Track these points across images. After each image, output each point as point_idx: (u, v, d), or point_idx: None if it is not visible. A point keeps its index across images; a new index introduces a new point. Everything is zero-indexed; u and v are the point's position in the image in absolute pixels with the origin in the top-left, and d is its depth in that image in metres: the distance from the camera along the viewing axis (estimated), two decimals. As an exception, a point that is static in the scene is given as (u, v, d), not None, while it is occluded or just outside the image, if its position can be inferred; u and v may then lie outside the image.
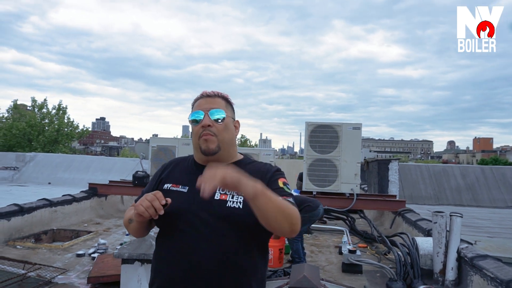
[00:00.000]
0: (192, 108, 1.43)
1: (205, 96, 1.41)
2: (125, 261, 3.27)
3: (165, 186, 1.37)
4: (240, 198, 1.27)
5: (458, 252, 3.98)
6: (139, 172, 7.79)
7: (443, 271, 4.01)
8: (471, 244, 4.28)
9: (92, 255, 4.81)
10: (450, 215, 4.10)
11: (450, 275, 3.95)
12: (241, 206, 1.26)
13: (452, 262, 3.97)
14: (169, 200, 1.20)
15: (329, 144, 7.10)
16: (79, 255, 4.83)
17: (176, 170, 1.42)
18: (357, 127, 7.04)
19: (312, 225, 7.19)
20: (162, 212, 1.16)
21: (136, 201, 1.36)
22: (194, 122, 1.36)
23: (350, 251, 4.59)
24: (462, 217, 4.06)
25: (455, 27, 7.55)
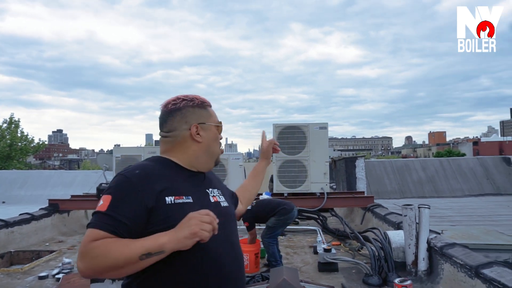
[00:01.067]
0: (202, 109, 1.36)
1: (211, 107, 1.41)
2: (94, 280, 3.07)
3: (168, 200, 1.15)
4: (223, 197, 1.37)
5: (428, 242, 4.11)
6: (103, 184, 7.44)
7: (415, 262, 4.13)
8: (439, 233, 4.45)
9: (57, 276, 4.50)
10: (419, 207, 4.23)
11: (422, 265, 4.08)
12: (229, 204, 1.37)
13: (423, 253, 4.10)
14: None
15: (297, 145, 7.16)
16: (41, 277, 4.50)
17: (165, 180, 1.19)
18: (324, 127, 7.16)
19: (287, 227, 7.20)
20: (216, 232, 1.09)
21: (101, 224, 1.05)
22: (219, 129, 1.38)
23: (325, 250, 4.62)
24: (429, 208, 4.21)
25: (405, 27, 7.80)
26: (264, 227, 4.85)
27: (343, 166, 9.16)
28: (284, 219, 4.73)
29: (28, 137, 25.52)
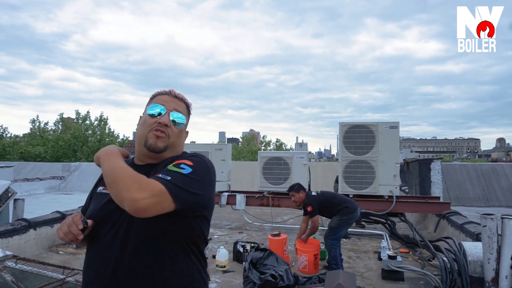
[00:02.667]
0: (150, 100, 1.34)
1: (172, 95, 1.33)
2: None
3: (98, 189, 1.30)
4: None
5: (513, 258, 3.61)
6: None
7: (495, 280, 3.65)
8: (528, 249, 3.88)
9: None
10: (502, 218, 3.74)
11: (505, 284, 3.59)
12: None
13: (506, 270, 3.61)
14: (90, 222, 1.16)
15: (365, 145, 6.83)
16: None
17: None
18: (394, 126, 6.72)
19: (350, 229, 6.92)
20: (81, 237, 1.12)
21: (82, 208, 1.37)
22: (151, 115, 1.26)
23: (390, 257, 4.32)
24: (515, 219, 3.69)
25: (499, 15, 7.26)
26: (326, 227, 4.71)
27: (416, 169, 8.49)
28: (347, 219, 4.55)
29: (114, 133, 28.29)
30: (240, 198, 7.22)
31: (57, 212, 5.96)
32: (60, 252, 5.41)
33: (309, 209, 4.55)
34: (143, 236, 1.11)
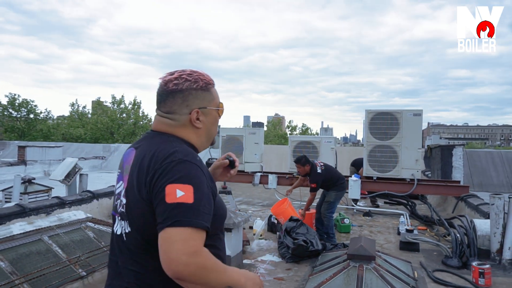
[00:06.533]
0: (209, 91, 1.22)
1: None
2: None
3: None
4: None
5: (516, 232, 4.11)
6: (210, 160, 8.73)
7: (500, 251, 4.18)
8: (533, 226, 4.35)
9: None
10: (509, 198, 4.23)
11: (507, 254, 4.11)
12: None
13: (510, 242, 4.12)
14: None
15: (389, 131, 7.30)
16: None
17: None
18: (418, 114, 7.14)
19: (373, 209, 7.50)
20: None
21: (201, 223, 0.93)
22: (219, 112, 1.27)
23: (408, 231, 4.90)
24: (521, 199, 4.17)
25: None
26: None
27: (438, 154, 8.86)
28: (341, 194, 5.28)
29: (148, 116, 29.59)
30: (272, 178, 7.92)
31: (113, 186, 6.86)
32: (119, 220, 6.29)
33: (313, 186, 5.17)
34: None
